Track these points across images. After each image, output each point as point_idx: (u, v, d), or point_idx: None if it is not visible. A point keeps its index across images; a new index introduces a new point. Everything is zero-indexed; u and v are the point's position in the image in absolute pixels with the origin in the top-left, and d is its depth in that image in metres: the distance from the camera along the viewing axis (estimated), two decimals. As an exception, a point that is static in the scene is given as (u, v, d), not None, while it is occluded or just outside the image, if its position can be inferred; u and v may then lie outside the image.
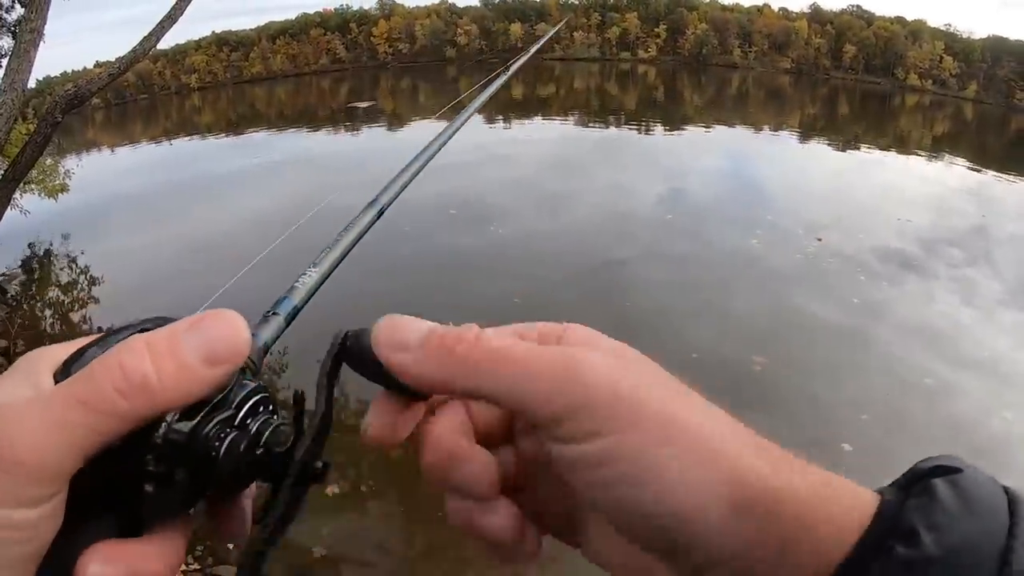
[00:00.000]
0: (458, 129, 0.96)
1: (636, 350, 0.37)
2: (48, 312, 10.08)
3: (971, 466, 0.34)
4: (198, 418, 0.35)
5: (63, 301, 10.45)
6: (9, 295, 10.21)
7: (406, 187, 0.78)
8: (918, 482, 0.34)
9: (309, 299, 0.55)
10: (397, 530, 5.12)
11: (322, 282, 0.57)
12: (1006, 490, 0.33)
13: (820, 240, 11.60)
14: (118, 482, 0.34)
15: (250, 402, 0.37)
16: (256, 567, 0.38)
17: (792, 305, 9.04)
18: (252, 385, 0.38)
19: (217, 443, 0.35)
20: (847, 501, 0.33)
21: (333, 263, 0.59)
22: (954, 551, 0.29)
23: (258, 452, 0.37)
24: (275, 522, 0.38)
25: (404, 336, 0.36)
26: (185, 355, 0.33)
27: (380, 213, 0.68)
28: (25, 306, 10.11)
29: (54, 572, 0.33)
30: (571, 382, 0.33)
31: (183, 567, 3.72)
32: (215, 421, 0.35)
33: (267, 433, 0.38)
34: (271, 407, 0.39)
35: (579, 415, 0.33)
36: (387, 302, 8.60)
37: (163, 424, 0.34)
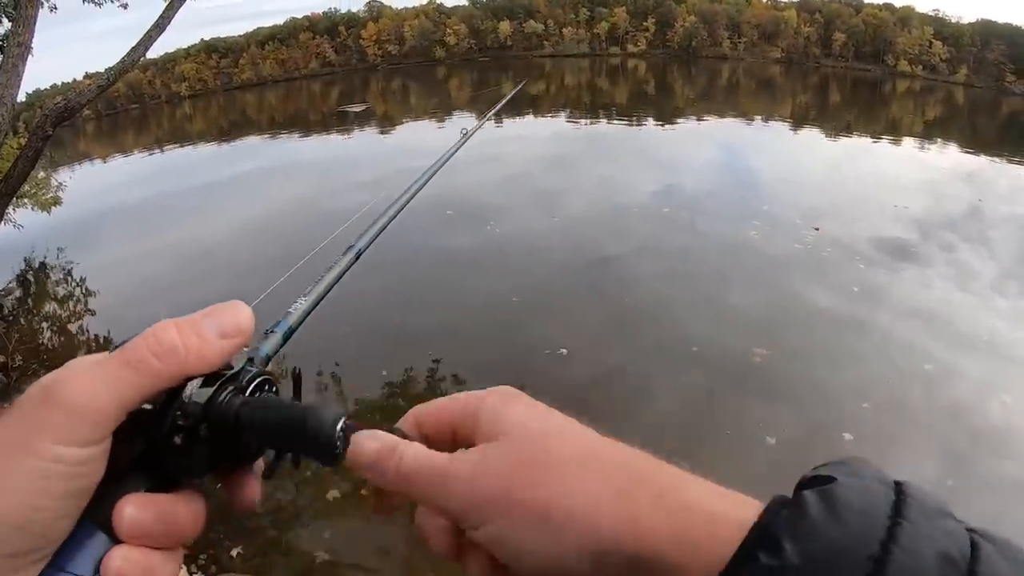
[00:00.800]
0: (423, 185, 1.00)
1: (539, 415, 0.45)
2: (45, 325, 10.03)
3: (858, 466, 0.37)
4: (215, 386, 0.44)
5: (60, 314, 10.41)
6: (5, 310, 10.17)
7: (381, 232, 0.87)
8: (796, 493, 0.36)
9: (302, 322, 0.65)
10: (398, 533, 5.10)
11: (311, 310, 0.67)
12: (900, 487, 0.34)
13: (818, 229, 11.56)
14: (153, 442, 0.42)
15: (256, 381, 0.46)
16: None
17: (791, 295, 9.02)
18: (256, 370, 0.47)
19: (231, 406, 0.43)
20: (712, 526, 0.36)
21: (319, 296, 0.68)
22: (815, 559, 0.31)
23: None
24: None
25: (360, 458, 0.46)
26: (204, 330, 0.43)
27: (358, 256, 0.76)
28: (22, 320, 10.07)
29: (96, 513, 0.40)
30: (447, 497, 0.42)
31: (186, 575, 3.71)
32: (228, 390, 0.44)
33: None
34: (275, 388, 0.47)
35: (460, 517, 0.43)
36: (392, 301, 8.61)
37: (188, 388, 0.42)
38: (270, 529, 5.06)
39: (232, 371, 0.45)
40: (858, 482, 0.35)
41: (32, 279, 12.00)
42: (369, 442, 0.46)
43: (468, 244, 11.33)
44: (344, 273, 0.71)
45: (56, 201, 16.20)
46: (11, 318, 9.92)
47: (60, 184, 17.28)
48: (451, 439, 0.48)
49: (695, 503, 0.38)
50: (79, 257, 12.40)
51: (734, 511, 0.37)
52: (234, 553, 4.78)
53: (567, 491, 0.39)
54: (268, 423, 0.43)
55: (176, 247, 12.60)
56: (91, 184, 22.64)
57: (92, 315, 9.85)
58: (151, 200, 17.83)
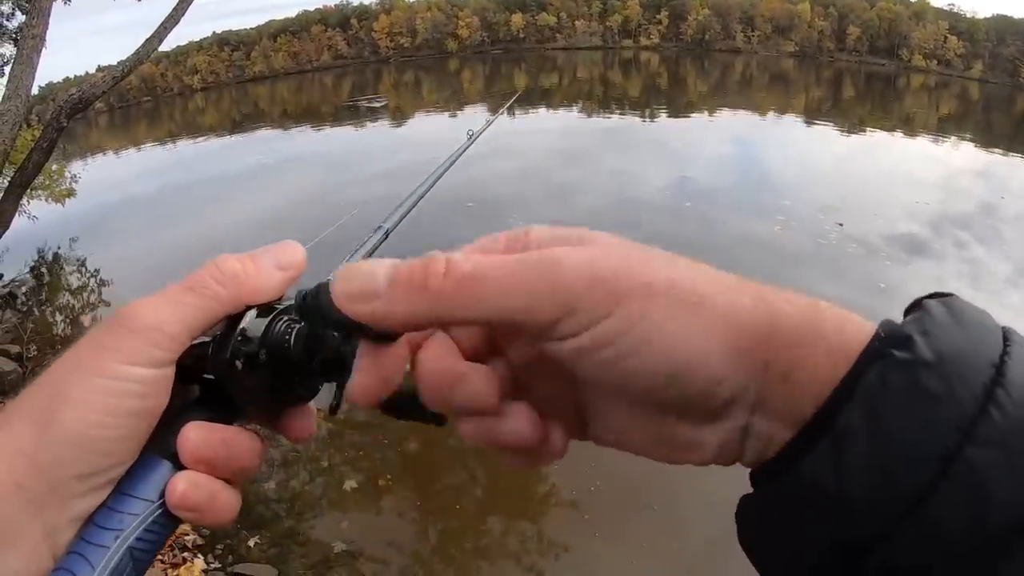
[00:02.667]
0: (430, 188, 0.99)
1: (597, 232, 0.39)
2: (59, 316, 10.09)
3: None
4: (272, 315, 0.45)
5: (74, 305, 10.46)
6: (20, 301, 10.22)
7: (406, 215, 0.88)
8: (914, 308, 0.36)
9: None
10: (415, 522, 5.12)
11: None
12: (1005, 331, 0.34)
13: (841, 225, 11.46)
14: (215, 369, 0.43)
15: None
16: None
17: (819, 292, 8.94)
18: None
19: (287, 335, 0.44)
20: (840, 322, 0.35)
21: None
22: (945, 355, 0.31)
23: (319, 347, 0.45)
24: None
25: (367, 284, 0.36)
26: (262, 260, 0.45)
27: (386, 235, 0.75)
28: (36, 311, 10.12)
29: (160, 444, 0.42)
30: (551, 286, 0.33)
31: (204, 566, 3.75)
32: (285, 320, 0.45)
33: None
34: None
35: (567, 314, 0.34)
36: None
37: (247, 316, 0.44)
38: (287, 519, 5.08)
39: (287, 303, 0.46)
40: (970, 304, 0.35)
41: (46, 270, 12.05)
42: (376, 265, 0.37)
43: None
44: (372, 253, 0.70)
45: (70, 193, 16.27)
46: (25, 309, 9.97)
47: (74, 176, 17.34)
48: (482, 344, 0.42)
49: (816, 304, 0.36)
50: (92, 248, 12.44)
51: (856, 319, 0.36)
52: (251, 543, 4.80)
53: (702, 277, 0.35)
54: (333, 307, 0.39)
55: (189, 238, 12.62)
56: (104, 176, 22.72)
57: (106, 306, 9.89)
58: (164, 192, 17.90)
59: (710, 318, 0.34)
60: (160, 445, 0.42)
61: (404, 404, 0.42)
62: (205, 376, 0.45)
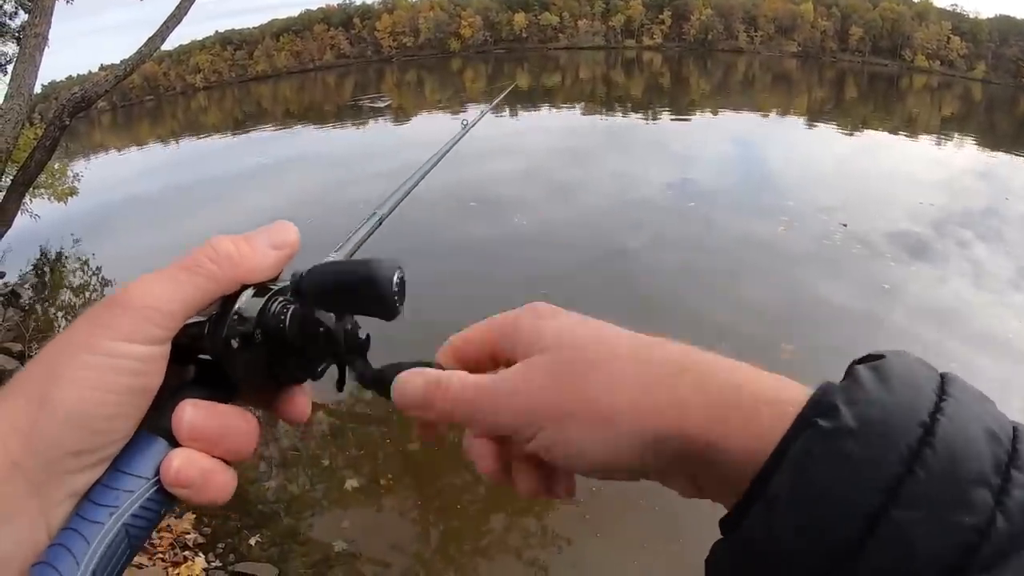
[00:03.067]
0: (423, 176, 1.00)
1: (562, 323, 0.46)
2: (61, 315, 10.09)
3: (904, 354, 0.39)
4: (267, 296, 0.46)
5: (76, 303, 10.47)
6: (22, 299, 10.23)
7: (400, 202, 0.89)
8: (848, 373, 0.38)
9: None
10: (415, 522, 5.12)
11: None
12: (943, 376, 0.36)
13: (845, 226, 11.42)
14: (211, 348, 0.44)
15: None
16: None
17: (823, 293, 8.92)
18: None
19: (283, 316, 0.46)
20: (764, 402, 0.38)
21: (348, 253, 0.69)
22: (870, 421, 0.33)
23: (313, 327, 0.47)
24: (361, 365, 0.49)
25: (408, 396, 0.46)
26: (256, 240, 0.47)
27: (380, 221, 0.77)
28: (39, 309, 10.14)
29: (156, 422, 0.42)
30: (499, 415, 0.43)
31: (204, 565, 3.74)
32: (280, 300, 0.47)
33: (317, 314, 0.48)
34: None
35: (516, 430, 0.43)
36: (429, 293, 8.58)
37: (242, 296, 0.45)
38: (288, 518, 5.08)
39: (282, 285, 0.48)
40: (905, 361, 0.37)
41: (48, 269, 12.06)
42: (415, 378, 0.47)
43: (496, 236, 11.30)
44: (366, 239, 0.72)
45: (72, 191, 16.25)
46: (28, 307, 9.98)
47: (76, 175, 17.33)
48: (491, 362, 0.49)
49: (737, 386, 0.39)
50: (95, 247, 12.45)
51: (778, 392, 0.38)
52: (252, 542, 4.81)
53: (612, 388, 0.41)
54: (328, 283, 0.46)
55: (192, 237, 12.35)
56: (107, 175, 22.73)
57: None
58: (166, 191, 17.89)
59: (614, 434, 0.40)
60: (156, 423, 0.42)
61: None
62: (201, 357, 0.45)
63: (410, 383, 0.47)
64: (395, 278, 0.44)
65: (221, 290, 0.44)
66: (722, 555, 0.38)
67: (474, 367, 0.49)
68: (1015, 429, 0.34)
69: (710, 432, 0.38)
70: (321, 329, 0.47)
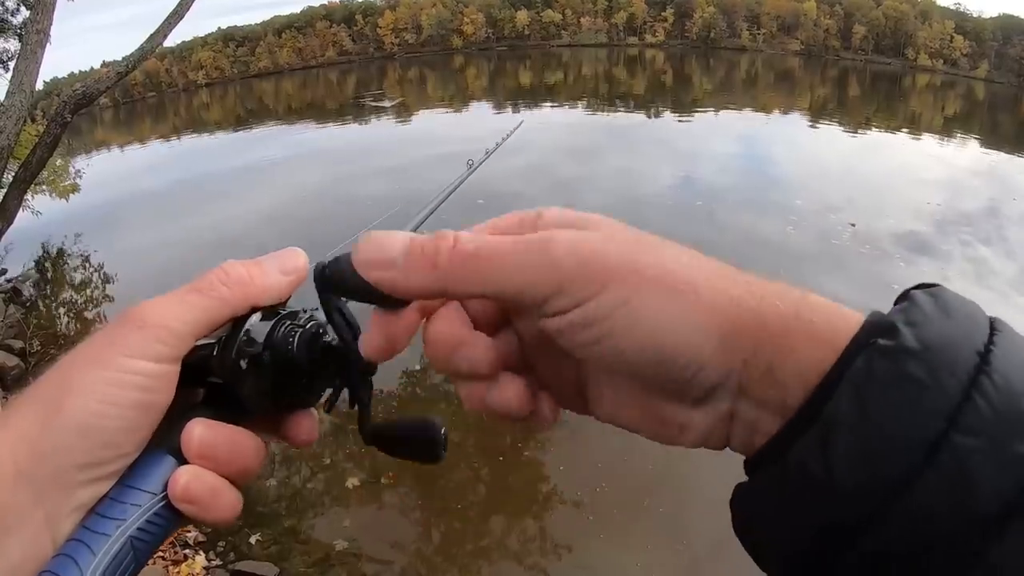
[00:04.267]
0: (432, 212, 0.99)
1: (605, 217, 0.41)
2: (63, 311, 10.08)
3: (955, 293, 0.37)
4: (276, 319, 0.47)
5: (77, 300, 10.46)
6: (24, 296, 10.22)
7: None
8: (902, 299, 0.37)
9: None
10: (417, 521, 5.11)
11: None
12: (992, 320, 0.35)
13: (854, 225, 11.39)
14: (220, 368, 0.45)
15: (312, 324, 0.48)
16: (365, 415, 0.49)
17: (831, 292, 8.87)
18: (311, 314, 0.49)
19: (291, 338, 0.46)
20: (828, 314, 0.36)
21: None
22: (931, 344, 0.32)
23: (321, 351, 0.47)
24: (361, 398, 0.49)
25: (386, 253, 0.39)
26: (266, 265, 0.48)
27: None
28: (41, 306, 10.13)
29: (165, 440, 0.43)
30: (543, 265, 0.36)
31: (205, 563, 3.73)
32: (287, 324, 0.47)
33: (324, 338, 0.48)
34: (324, 331, 0.49)
35: (557, 293, 0.36)
36: None
37: (252, 318, 0.46)
38: (289, 517, 5.07)
39: (291, 310, 0.49)
40: (957, 295, 0.36)
41: (50, 265, 12.05)
42: (389, 236, 0.40)
43: None
44: None
45: (74, 188, 16.27)
46: (29, 304, 9.97)
47: (78, 171, 17.34)
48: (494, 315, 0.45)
49: (807, 298, 0.37)
50: (97, 244, 12.44)
51: (844, 310, 0.37)
52: (253, 540, 4.79)
53: (692, 264, 0.37)
54: (399, 439, 0.48)
55: (194, 234, 12.62)
56: (109, 171, 22.74)
57: (110, 301, 9.89)
58: (168, 187, 17.88)
59: (695, 306, 0.35)
60: (165, 441, 0.43)
61: (394, 439, 0.49)
62: (211, 380, 0.46)
63: (388, 239, 0.40)
64: (442, 434, 0.46)
65: (231, 312, 0.45)
66: (757, 490, 0.37)
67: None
68: None
69: (781, 332, 0.35)
70: (328, 353, 0.47)
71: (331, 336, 0.48)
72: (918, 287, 0.37)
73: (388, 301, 0.41)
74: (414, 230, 0.91)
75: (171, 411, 0.43)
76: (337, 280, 0.42)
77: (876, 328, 0.34)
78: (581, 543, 4.68)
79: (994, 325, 0.34)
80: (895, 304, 0.37)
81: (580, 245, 0.36)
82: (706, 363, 0.36)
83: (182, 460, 0.43)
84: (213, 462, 0.43)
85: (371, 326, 0.43)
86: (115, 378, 0.40)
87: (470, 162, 1.40)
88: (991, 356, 0.32)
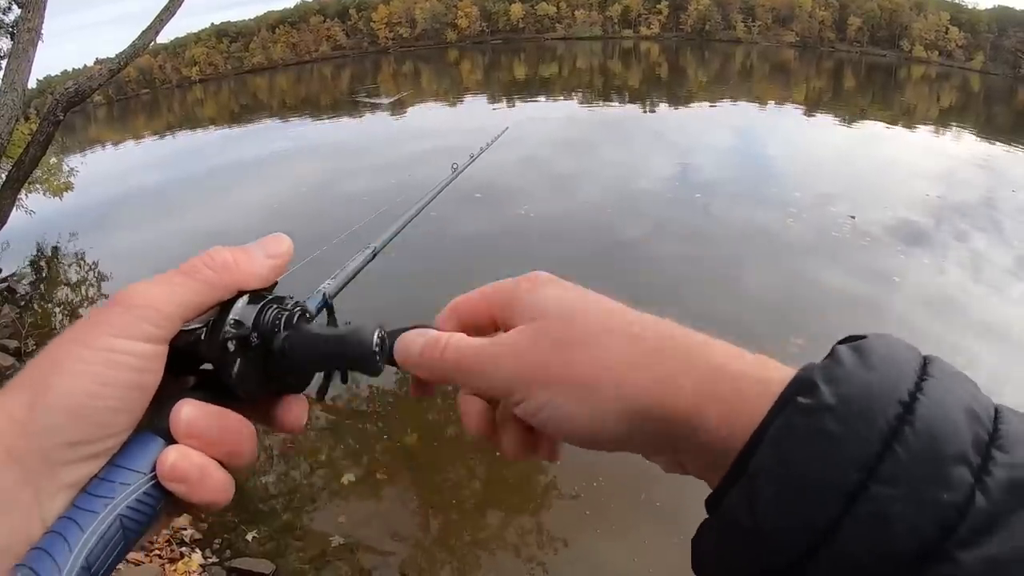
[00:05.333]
0: (415, 215, 1.01)
1: (570, 295, 0.47)
2: (58, 310, 10.07)
3: (887, 335, 0.39)
4: (262, 303, 0.49)
5: (73, 299, 10.45)
6: (19, 295, 10.20)
7: (394, 237, 0.96)
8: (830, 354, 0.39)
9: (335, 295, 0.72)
10: (412, 516, 5.12)
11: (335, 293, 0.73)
12: (925, 357, 0.37)
13: (854, 217, 11.40)
14: (209, 351, 0.46)
15: (297, 308, 0.50)
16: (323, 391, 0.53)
17: (831, 285, 8.88)
18: (295, 300, 0.52)
19: (278, 322, 0.48)
20: (757, 377, 0.40)
21: (339, 286, 0.75)
22: (848, 399, 0.34)
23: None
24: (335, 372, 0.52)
25: (409, 354, 0.49)
26: (252, 250, 0.49)
27: (374, 254, 0.81)
28: (36, 305, 10.11)
29: (155, 422, 0.44)
30: (494, 376, 0.45)
31: (201, 560, 3.73)
32: (274, 307, 0.49)
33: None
34: (308, 315, 0.52)
35: (507, 394, 0.45)
36: (440, 280, 8.56)
37: (239, 301, 0.47)
38: (285, 513, 5.07)
39: (277, 295, 0.50)
40: (887, 342, 0.38)
41: (45, 264, 12.04)
42: (416, 338, 0.49)
43: (504, 227, 11.32)
44: (359, 270, 0.74)
45: (68, 187, 16.19)
46: (24, 303, 9.96)
47: (72, 169, 17.26)
48: (490, 326, 0.51)
49: (721, 364, 0.41)
50: (92, 242, 12.42)
51: (761, 372, 0.40)
52: (249, 537, 4.80)
53: (601, 359, 0.42)
54: (311, 351, 0.49)
55: (189, 231, 12.59)
56: (103, 169, 22.66)
57: (106, 299, 9.84)
58: (163, 185, 17.88)
59: (599, 403, 0.42)
60: (154, 423, 0.44)
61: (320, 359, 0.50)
62: (202, 368, 0.48)
63: (413, 342, 0.49)
64: (375, 339, 0.48)
65: (218, 296, 0.47)
66: (707, 533, 0.39)
67: (473, 331, 0.50)
68: (997, 410, 0.35)
69: (695, 409, 0.39)
70: (319, 343, 0.49)
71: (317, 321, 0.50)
72: (846, 340, 0.39)
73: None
74: (401, 228, 0.93)
75: (161, 395, 0.44)
76: (304, 359, 0.49)
77: (798, 387, 0.36)
78: (578, 536, 4.70)
79: (927, 370, 0.35)
80: (824, 358, 0.39)
81: (513, 359, 0.45)
82: (627, 440, 0.42)
83: (171, 441, 0.43)
84: (201, 441, 0.44)
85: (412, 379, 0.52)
86: (103, 358, 0.41)
87: (455, 165, 1.42)
88: (916, 404, 0.33)
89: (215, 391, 0.47)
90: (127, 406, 0.42)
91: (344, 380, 0.52)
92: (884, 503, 0.31)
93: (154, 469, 0.42)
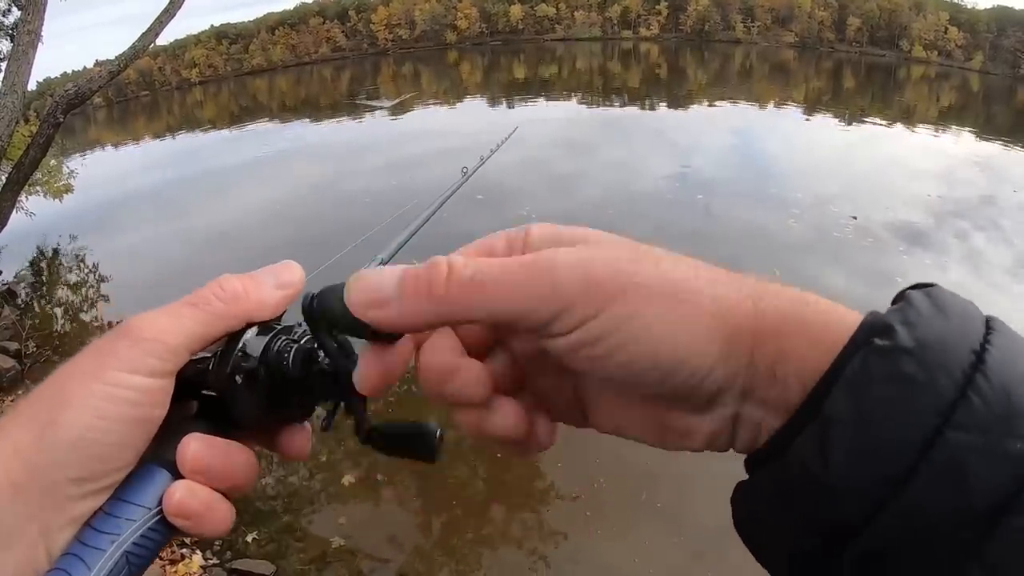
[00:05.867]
0: (425, 221, 1.00)
1: (592, 229, 0.41)
2: (59, 312, 10.05)
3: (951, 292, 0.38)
4: (271, 334, 0.47)
5: (73, 301, 10.43)
6: (19, 298, 10.20)
7: (402, 246, 0.91)
8: (899, 299, 0.38)
9: None
10: (412, 517, 5.11)
11: None
12: (988, 316, 0.36)
13: (855, 218, 11.39)
14: (215, 383, 0.45)
15: (306, 339, 0.48)
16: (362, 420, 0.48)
17: (834, 286, 8.85)
18: (305, 329, 0.49)
19: (286, 353, 0.46)
20: (826, 314, 0.37)
21: None
22: (926, 343, 0.32)
23: (315, 366, 0.47)
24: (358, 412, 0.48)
25: (379, 292, 0.38)
26: (262, 280, 0.48)
27: (381, 266, 0.77)
28: (36, 307, 10.11)
29: (160, 455, 0.43)
30: (545, 288, 0.36)
31: (202, 562, 3.73)
32: (283, 339, 0.47)
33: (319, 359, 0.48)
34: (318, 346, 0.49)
35: (560, 314, 0.36)
36: None
37: (247, 333, 0.46)
38: (285, 515, 5.07)
39: (286, 325, 0.49)
40: (953, 294, 0.37)
41: (45, 266, 12.03)
42: (386, 272, 0.39)
43: (498, 229, 11.27)
44: None
45: (68, 188, 16.23)
46: (24, 305, 9.96)
47: (72, 171, 17.29)
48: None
49: (804, 299, 0.38)
50: (92, 244, 12.42)
51: (841, 313, 0.37)
52: (249, 539, 4.79)
53: (690, 271, 0.38)
54: (396, 437, 0.48)
55: (190, 232, 12.62)
56: (103, 171, 22.69)
57: (106, 301, 9.87)
58: (164, 186, 17.85)
59: (696, 315, 0.36)
60: (159, 455, 0.43)
61: (391, 438, 0.48)
62: (205, 393, 0.46)
63: (380, 276, 0.39)
64: (437, 437, 0.46)
65: (226, 327, 0.45)
66: (758, 488, 0.37)
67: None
68: None
69: (781, 333, 0.36)
70: (323, 367, 0.47)
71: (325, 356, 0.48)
72: (915, 287, 0.38)
73: (380, 335, 0.40)
74: (411, 235, 0.92)
75: (166, 424, 0.43)
76: (327, 317, 0.42)
77: (873, 328, 0.34)
78: (578, 538, 4.68)
79: (990, 324, 0.35)
80: (892, 304, 0.37)
81: (580, 265, 0.36)
82: (712, 368, 0.36)
83: (176, 474, 0.43)
84: (207, 477, 0.43)
85: (364, 361, 0.42)
86: (109, 392, 0.40)
87: (464, 169, 1.41)
88: (987, 354, 0.32)
89: (218, 418, 0.46)
90: (132, 440, 0.41)
91: (348, 411, 0.48)
92: (961, 451, 0.30)
93: (159, 504, 0.42)
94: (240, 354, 0.45)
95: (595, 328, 0.36)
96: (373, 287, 0.39)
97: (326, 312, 0.42)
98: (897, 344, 0.33)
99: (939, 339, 0.33)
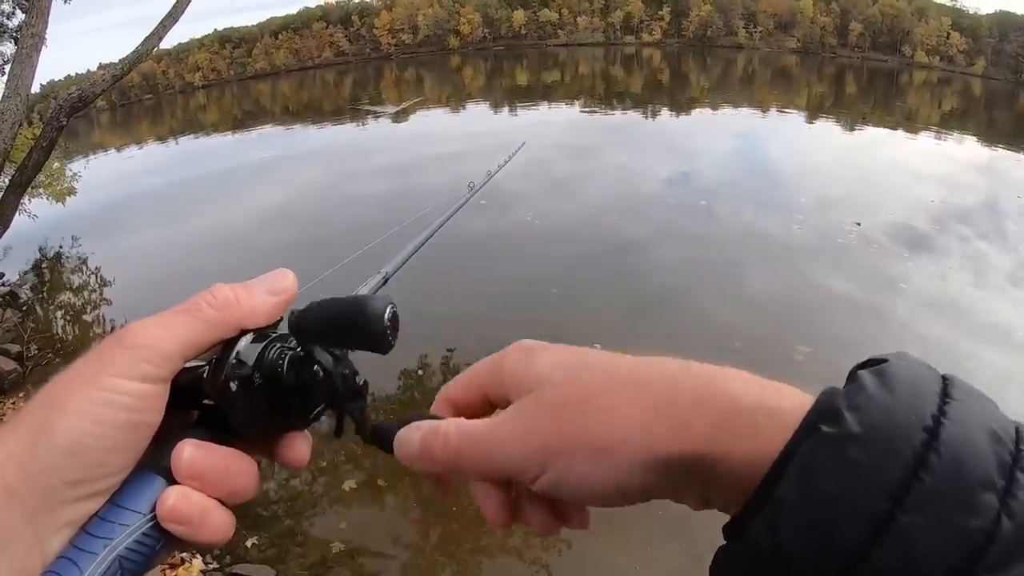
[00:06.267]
0: (434, 232, 1.01)
1: (555, 355, 0.45)
2: (60, 315, 10.07)
3: (905, 356, 0.39)
4: (266, 341, 0.48)
5: (75, 304, 10.44)
6: (21, 300, 10.21)
7: (406, 261, 0.92)
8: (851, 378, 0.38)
9: None
10: (413, 522, 5.10)
11: None
12: (945, 378, 0.37)
13: (859, 224, 11.41)
14: (211, 391, 0.45)
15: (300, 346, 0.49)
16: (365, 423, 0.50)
17: (838, 292, 8.85)
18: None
19: (281, 360, 0.47)
20: (777, 404, 0.39)
21: None
22: (874, 426, 0.33)
23: (311, 373, 0.48)
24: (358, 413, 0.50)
25: (408, 451, 0.47)
26: (255, 287, 0.48)
27: (385, 280, 0.80)
28: (38, 310, 10.12)
29: (155, 462, 0.43)
30: (504, 459, 0.43)
31: (202, 567, 3.72)
32: (278, 346, 0.48)
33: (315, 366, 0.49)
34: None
35: (522, 472, 0.43)
36: (453, 289, 8.66)
37: (241, 340, 0.46)
38: (285, 519, 5.06)
39: (281, 333, 0.49)
40: (908, 364, 0.38)
41: (47, 269, 12.05)
42: (413, 432, 0.47)
43: (512, 234, 11.37)
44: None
45: (71, 191, 16.26)
46: (26, 308, 9.96)
47: (75, 174, 17.32)
48: (484, 406, 0.49)
49: (735, 398, 0.40)
50: (94, 247, 12.45)
51: (777, 401, 0.39)
52: (249, 543, 4.79)
53: (611, 416, 0.41)
54: (324, 319, 0.46)
55: (191, 236, 12.64)
56: (106, 174, 22.76)
57: (108, 304, 9.87)
58: (166, 190, 17.90)
59: (621, 459, 0.40)
60: (155, 462, 0.43)
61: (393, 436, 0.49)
62: (203, 402, 0.47)
63: (410, 437, 0.47)
64: (387, 314, 0.45)
65: (220, 334, 0.46)
66: (727, 562, 0.39)
67: (469, 413, 0.49)
68: (1017, 430, 0.34)
69: (713, 447, 0.38)
70: (318, 374, 0.48)
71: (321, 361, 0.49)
72: (866, 364, 0.39)
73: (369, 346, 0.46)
74: (416, 250, 0.92)
75: (163, 432, 0.44)
76: (313, 331, 0.47)
77: (822, 414, 0.36)
78: (579, 544, 4.66)
79: (947, 391, 0.35)
80: (846, 382, 0.38)
81: (527, 436, 0.43)
82: (650, 489, 0.41)
83: (172, 481, 0.43)
84: (203, 483, 0.44)
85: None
86: (103, 397, 0.41)
87: (471, 184, 1.41)
88: (941, 429, 0.33)
89: (218, 427, 0.46)
90: (126, 446, 0.42)
91: (351, 416, 0.50)
92: (912, 531, 0.31)
93: (154, 509, 0.42)
94: (234, 361, 0.46)
95: (547, 480, 0.42)
96: (404, 445, 0.47)
97: (311, 327, 0.46)
98: (844, 430, 0.34)
99: (887, 421, 0.33)
